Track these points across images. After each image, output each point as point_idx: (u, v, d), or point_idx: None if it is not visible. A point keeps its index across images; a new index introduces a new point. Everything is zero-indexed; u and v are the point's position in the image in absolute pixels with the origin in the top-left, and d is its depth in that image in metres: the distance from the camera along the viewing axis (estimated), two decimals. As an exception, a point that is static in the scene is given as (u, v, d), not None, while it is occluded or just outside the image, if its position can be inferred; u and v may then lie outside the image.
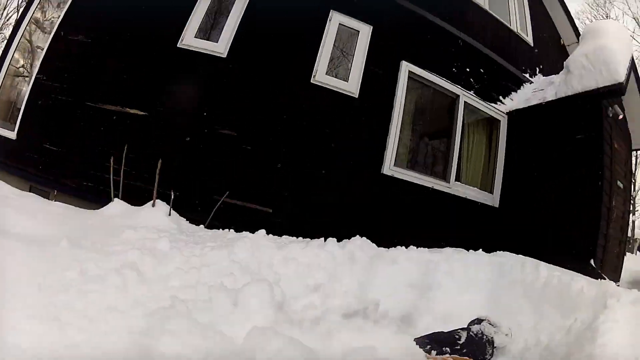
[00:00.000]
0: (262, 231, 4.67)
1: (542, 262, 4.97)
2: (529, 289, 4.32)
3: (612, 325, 3.21)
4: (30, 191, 5.46)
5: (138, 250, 3.07)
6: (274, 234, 4.94)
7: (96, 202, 4.86)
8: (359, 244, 4.92)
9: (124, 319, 2.28)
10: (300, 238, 5.01)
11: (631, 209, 16.73)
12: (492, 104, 7.93)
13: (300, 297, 3.62)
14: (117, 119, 5.64)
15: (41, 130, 6.05)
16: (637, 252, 16.37)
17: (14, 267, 2.52)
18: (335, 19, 6.55)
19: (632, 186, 10.40)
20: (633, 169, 27.66)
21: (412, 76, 6.96)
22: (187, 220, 4.97)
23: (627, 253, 13.04)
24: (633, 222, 21.83)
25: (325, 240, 4.81)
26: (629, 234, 13.87)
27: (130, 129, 5.62)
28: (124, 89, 5.81)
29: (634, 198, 28.03)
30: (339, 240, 4.87)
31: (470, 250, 5.55)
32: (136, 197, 4.84)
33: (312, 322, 3.22)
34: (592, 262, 6.24)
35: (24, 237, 3.06)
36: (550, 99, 7.49)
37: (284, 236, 5.02)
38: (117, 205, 4.52)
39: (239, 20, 6.12)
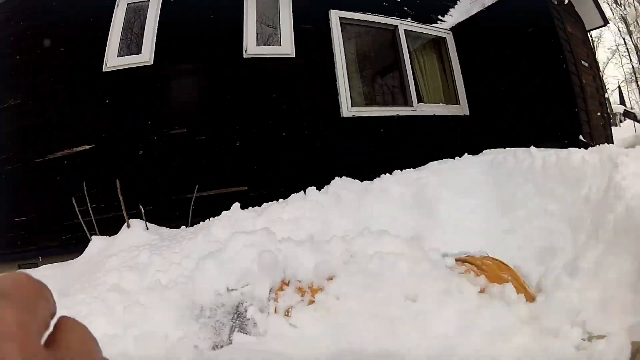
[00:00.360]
0: (237, 204, 4.58)
1: (534, 147, 4.98)
2: (528, 174, 4.35)
3: (634, 179, 3.32)
4: (19, 269, 5.36)
5: (117, 270, 3.03)
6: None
7: (80, 249, 4.72)
8: (341, 184, 4.95)
9: (114, 340, 2.25)
10: (281, 200, 4.99)
11: (602, 86, 17.12)
12: (433, 25, 7.98)
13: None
14: (68, 162, 5.60)
15: (4, 207, 5.90)
16: (619, 124, 16.87)
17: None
18: None
19: (597, 65, 10.69)
20: (593, 49, 28.40)
21: (344, 22, 6.97)
22: (168, 228, 4.96)
23: (612, 127, 13.47)
24: (607, 98, 22.34)
25: (305, 192, 4.81)
26: (608, 110, 14.33)
27: (84, 166, 5.57)
28: (66, 131, 5.75)
29: (601, 77, 28.88)
30: (319, 190, 4.89)
31: (456, 158, 5.72)
32: (114, 227, 4.80)
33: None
34: (581, 137, 6.40)
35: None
36: (490, 3, 7.54)
37: (264, 204, 5.00)
38: (96, 242, 4.49)
39: (156, 25, 6.09)
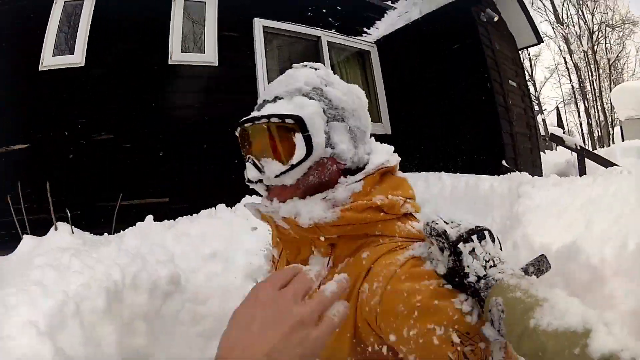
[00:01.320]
0: (150, 216, 4.96)
1: (445, 172, 5.23)
2: (438, 199, 4.53)
3: (530, 212, 3.51)
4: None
5: (41, 268, 3.64)
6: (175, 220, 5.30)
7: (12, 247, 4.71)
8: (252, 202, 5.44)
9: (34, 326, 2.94)
10: (194, 214, 5.41)
11: (536, 106, 17.40)
12: (358, 37, 8.36)
13: (199, 268, 4.01)
14: (5, 160, 5.87)
15: None
16: (555, 147, 17.32)
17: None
18: None
19: (528, 83, 10.98)
20: (528, 67, 28.70)
21: (267, 30, 7.35)
22: (92, 234, 5.03)
23: (547, 150, 13.52)
24: (544, 120, 22.96)
25: (215, 208, 5.20)
26: (542, 132, 14.68)
27: (19, 165, 5.83)
28: (3, 128, 5.96)
29: (538, 97, 29.36)
30: (233, 205, 5.30)
31: None
32: (45, 228, 4.84)
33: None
34: (504, 162, 6.61)
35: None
36: (415, 18, 7.79)
37: (179, 217, 5.34)
38: (27, 241, 4.59)
39: (89, 26, 6.34)
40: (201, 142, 6.43)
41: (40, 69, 6.12)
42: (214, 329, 3.62)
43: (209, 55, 6.81)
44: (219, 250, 4.26)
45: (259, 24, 7.31)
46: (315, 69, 1.28)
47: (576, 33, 29.69)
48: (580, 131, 33.26)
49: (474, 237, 0.99)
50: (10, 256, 4.44)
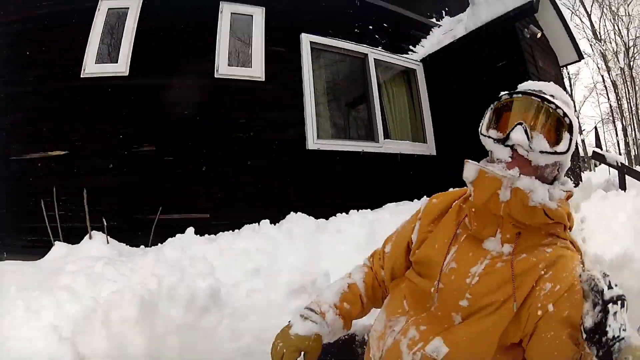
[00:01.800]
0: (191, 229, 4.84)
1: None
2: None
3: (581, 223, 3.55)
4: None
5: (72, 274, 3.51)
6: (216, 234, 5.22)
7: (43, 253, 4.75)
8: (296, 219, 5.22)
9: (57, 331, 2.80)
10: (236, 230, 5.25)
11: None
12: (404, 55, 8.33)
13: (241, 282, 3.84)
14: (41, 165, 5.75)
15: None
16: (594, 168, 17.14)
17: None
18: (227, 9, 6.86)
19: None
20: (567, 85, 28.44)
21: (314, 46, 7.33)
22: (128, 245, 5.06)
23: (585, 172, 13.43)
24: (582, 140, 22.61)
25: (259, 224, 5.08)
26: (582, 153, 14.55)
27: (56, 171, 5.75)
28: (41, 133, 5.90)
29: (577, 117, 28.97)
30: (274, 223, 5.18)
31: (415, 200, 5.93)
32: (78, 236, 4.90)
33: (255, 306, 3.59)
34: None
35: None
36: (461, 35, 7.76)
37: (220, 233, 5.27)
38: (59, 248, 4.63)
39: (134, 34, 6.32)
40: (245, 158, 6.41)
41: (82, 76, 6.08)
42: (252, 346, 3.43)
43: (256, 70, 6.78)
44: (261, 265, 4.12)
45: (306, 39, 7.30)
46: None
47: (613, 49, 29.65)
48: (617, 150, 33.11)
49: (619, 302, 1.11)
50: (39, 262, 4.39)
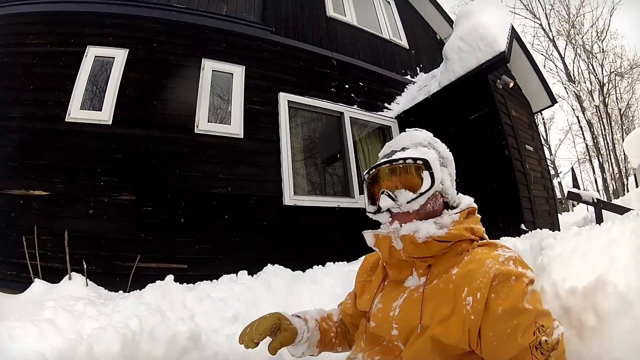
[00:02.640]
0: (170, 276, 4.99)
1: None
2: None
3: (554, 261, 3.45)
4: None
5: (54, 309, 3.64)
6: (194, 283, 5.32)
7: (21, 289, 4.83)
8: (273, 271, 5.42)
9: (43, 357, 2.91)
10: (214, 280, 5.42)
11: (552, 169, 17.60)
12: (379, 113, 8.77)
13: (220, 328, 4.01)
14: (23, 203, 5.79)
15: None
16: (572, 209, 17.61)
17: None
18: (208, 66, 7.24)
19: (544, 147, 11.18)
20: (542, 131, 29.01)
21: (292, 105, 7.71)
22: (107, 290, 5.12)
23: (563, 213, 13.73)
24: (559, 183, 23.10)
25: (236, 275, 5.30)
26: (559, 195, 14.93)
27: (38, 210, 5.77)
28: (24, 170, 5.94)
29: (553, 161, 29.59)
30: (251, 275, 5.37)
31: None
32: (56, 276, 4.99)
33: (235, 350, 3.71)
34: (522, 226, 6.81)
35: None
36: (435, 91, 8.11)
37: (198, 282, 5.34)
38: (39, 285, 4.73)
39: (119, 84, 6.62)
40: (223, 212, 6.59)
41: (67, 120, 6.27)
42: None
43: (235, 127, 7.09)
44: (240, 312, 4.31)
45: (284, 98, 7.69)
46: (421, 130, 1.98)
47: (587, 89, 30.43)
48: (595, 188, 34.04)
49: None
50: (20, 296, 4.53)
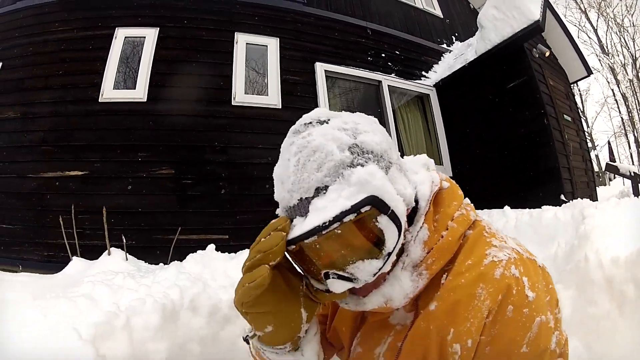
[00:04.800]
0: (212, 245, 4.77)
1: (508, 207, 5.28)
2: (502, 232, 4.46)
3: (597, 230, 3.45)
4: (-2, 271, 5.41)
5: (91, 283, 3.40)
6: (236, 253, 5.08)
7: (59, 269, 4.59)
8: None
9: (77, 333, 2.67)
10: None
11: (589, 141, 17.21)
12: (417, 81, 8.39)
13: None
14: (59, 184, 5.76)
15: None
16: (609, 182, 17.09)
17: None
18: (242, 39, 6.95)
19: (581, 117, 10.89)
20: (579, 102, 28.36)
21: (329, 74, 7.40)
22: (147, 263, 4.93)
23: (600, 187, 13.47)
24: (596, 156, 22.43)
25: None
26: (596, 168, 14.46)
27: (73, 191, 5.76)
28: (59, 153, 5.96)
29: (590, 133, 28.78)
30: None
31: None
32: (95, 253, 4.77)
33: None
34: (562, 197, 6.53)
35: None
36: (472, 59, 7.80)
37: (240, 251, 5.06)
38: (77, 263, 4.54)
39: (151, 62, 6.46)
40: (264, 183, 6.26)
41: (100, 100, 6.19)
42: None
43: (272, 98, 6.86)
44: None
45: (321, 68, 7.38)
46: (323, 122, 1.01)
47: (621, 62, 29.41)
48: (631, 162, 32.21)
49: None
50: (56, 275, 4.31)
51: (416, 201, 1.06)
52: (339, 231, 0.88)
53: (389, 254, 0.93)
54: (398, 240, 0.92)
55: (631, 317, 2.80)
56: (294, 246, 0.93)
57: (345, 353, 1.26)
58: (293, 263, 1.02)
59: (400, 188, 0.97)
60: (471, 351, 0.96)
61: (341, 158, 0.92)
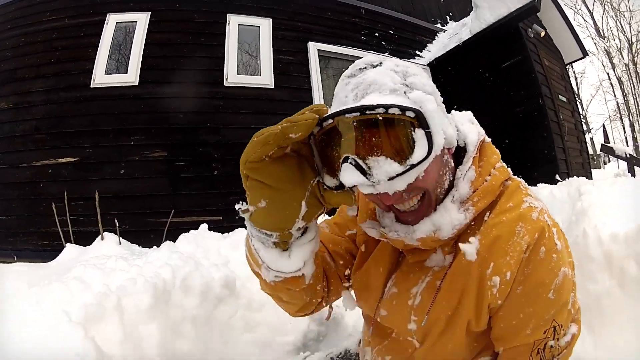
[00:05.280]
0: (205, 225, 4.76)
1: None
2: None
3: (594, 206, 3.44)
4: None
5: (83, 267, 3.36)
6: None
7: (53, 257, 4.56)
8: None
9: (67, 316, 2.63)
10: None
11: (583, 123, 17.23)
12: (411, 60, 8.26)
13: (255, 276, 3.79)
14: (52, 172, 5.75)
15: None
16: (603, 166, 17.11)
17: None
18: (234, 21, 6.88)
19: (576, 99, 10.87)
20: (574, 85, 28.31)
21: (322, 54, 7.35)
22: (140, 247, 4.91)
23: (594, 170, 13.55)
24: (591, 139, 22.41)
25: None
26: (591, 151, 14.49)
27: (66, 177, 5.74)
28: (51, 141, 5.93)
29: (585, 116, 28.77)
30: None
31: None
32: (89, 239, 4.73)
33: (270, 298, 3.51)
34: (557, 177, 6.51)
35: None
36: (466, 38, 7.76)
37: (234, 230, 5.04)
38: (71, 249, 4.51)
39: (143, 46, 6.42)
40: None
41: (92, 86, 6.15)
42: (267, 337, 3.35)
43: (265, 78, 6.81)
44: None
45: (313, 47, 7.32)
46: (376, 65, 1.04)
47: (616, 46, 29.39)
48: (626, 145, 32.33)
49: None
50: (50, 263, 4.29)
51: (464, 146, 1.17)
52: (380, 118, 0.91)
53: (412, 166, 0.93)
54: (424, 161, 0.94)
55: (633, 295, 2.77)
56: (331, 121, 0.95)
57: (374, 295, 1.29)
58: (315, 155, 1.01)
59: (444, 123, 1.03)
60: (508, 285, 1.05)
61: (395, 88, 0.97)
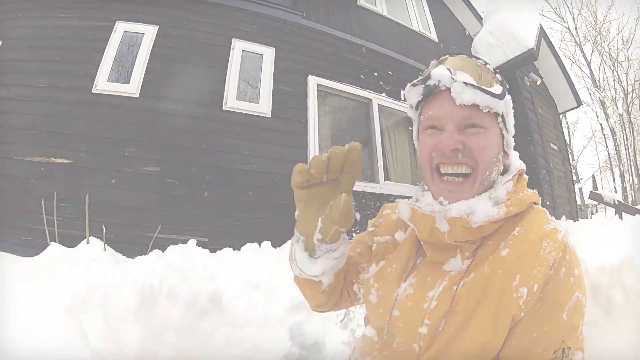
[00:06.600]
0: (193, 240, 4.81)
1: None
2: None
3: (581, 245, 3.46)
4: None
5: (68, 266, 3.40)
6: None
7: (34, 254, 4.69)
8: None
9: (54, 313, 2.68)
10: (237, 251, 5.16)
11: (573, 173, 17.48)
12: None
13: (242, 294, 3.78)
14: (44, 170, 5.68)
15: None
16: (591, 216, 17.24)
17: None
18: (239, 46, 7.02)
19: (567, 148, 11.07)
20: (566, 135, 28.69)
21: (321, 88, 7.47)
22: (125, 257, 4.93)
23: (581, 219, 13.69)
24: (580, 189, 22.62)
25: (259, 245, 5.07)
26: (579, 201, 14.67)
27: (58, 178, 5.67)
28: (47, 139, 5.86)
29: (575, 166, 29.10)
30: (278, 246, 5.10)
31: None
32: (73, 242, 4.90)
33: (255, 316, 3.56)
34: None
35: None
36: None
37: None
38: (54, 248, 4.57)
39: (148, 58, 6.47)
40: (247, 189, 6.44)
41: (93, 91, 6.16)
42: (248, 354, 3.39)
43: (263, 106, 6.92)
44: (262, 280, 4.07)
45: (313, 81, 7.44)
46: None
47: (611, 96, 29.63)
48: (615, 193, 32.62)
49: None
50: (32, 259, 4.31)
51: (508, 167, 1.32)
52: (480, 64, 1.23)
53: (485, 91, 1.17)
54: (499, 96, 1.20)
55: (619, 323, 2.87)
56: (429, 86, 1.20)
57: (388, 297, 1.33)
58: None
59: (511, 131, 1.32)
60: (534, 297, 1.07)
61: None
